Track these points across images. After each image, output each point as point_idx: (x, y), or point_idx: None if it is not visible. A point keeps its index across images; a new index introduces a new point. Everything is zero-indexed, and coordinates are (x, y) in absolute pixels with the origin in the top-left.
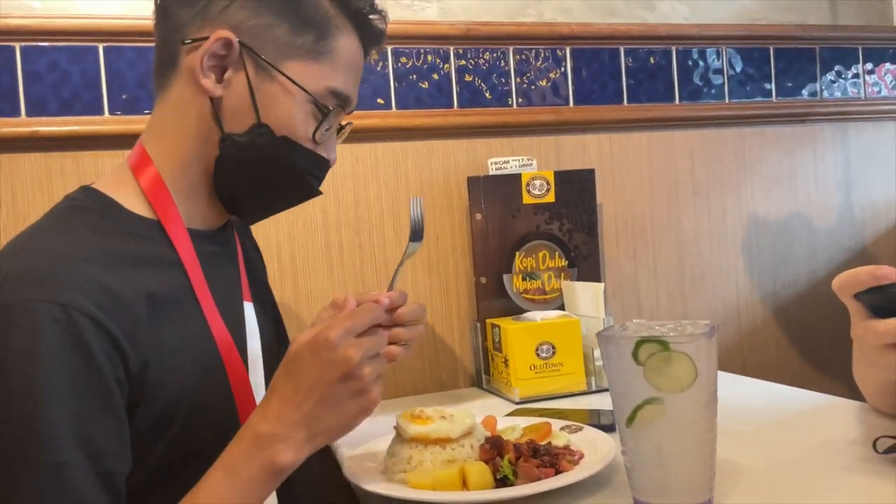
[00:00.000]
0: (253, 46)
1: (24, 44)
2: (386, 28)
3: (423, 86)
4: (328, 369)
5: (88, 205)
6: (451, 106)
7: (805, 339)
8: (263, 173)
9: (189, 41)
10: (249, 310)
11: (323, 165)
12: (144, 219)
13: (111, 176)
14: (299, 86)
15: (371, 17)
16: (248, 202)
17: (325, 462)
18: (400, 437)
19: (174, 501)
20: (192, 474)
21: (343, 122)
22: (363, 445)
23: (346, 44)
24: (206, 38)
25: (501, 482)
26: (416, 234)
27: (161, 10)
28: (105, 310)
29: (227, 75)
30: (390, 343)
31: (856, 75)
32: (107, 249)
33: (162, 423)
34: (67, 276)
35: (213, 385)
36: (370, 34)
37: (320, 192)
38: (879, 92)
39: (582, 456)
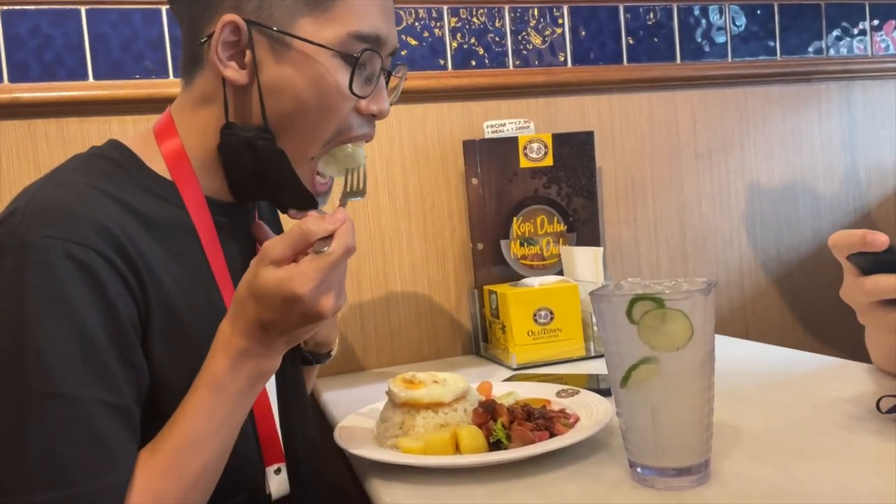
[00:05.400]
0: (259, 20)
1: (4, 7)
2: None
3: (414, 44)
4: (300, 320)
5: (111, 155)
6: (444, 67)
7: (809, 304)
8: (251, 173)
9: (204, 39)
10: None
11: (308, 204)
12: (164, 179)
13: (139, 135)
14: (314, 43)
15: None
16: (236, 184)
17: (322, 429)
18: (392, 403)
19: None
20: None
21: (391, 70)
22: (356, 412)
23: None
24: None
25: (495, 446)
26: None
27: (176, 15)
28: (119, 253)
29: (247, 59)
30: None
31: (862, 32)
32: (123, 203)
33: (160, 381)
34: (83, 216)
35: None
36: None
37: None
38: (887, 49)
39: (577, 419)
